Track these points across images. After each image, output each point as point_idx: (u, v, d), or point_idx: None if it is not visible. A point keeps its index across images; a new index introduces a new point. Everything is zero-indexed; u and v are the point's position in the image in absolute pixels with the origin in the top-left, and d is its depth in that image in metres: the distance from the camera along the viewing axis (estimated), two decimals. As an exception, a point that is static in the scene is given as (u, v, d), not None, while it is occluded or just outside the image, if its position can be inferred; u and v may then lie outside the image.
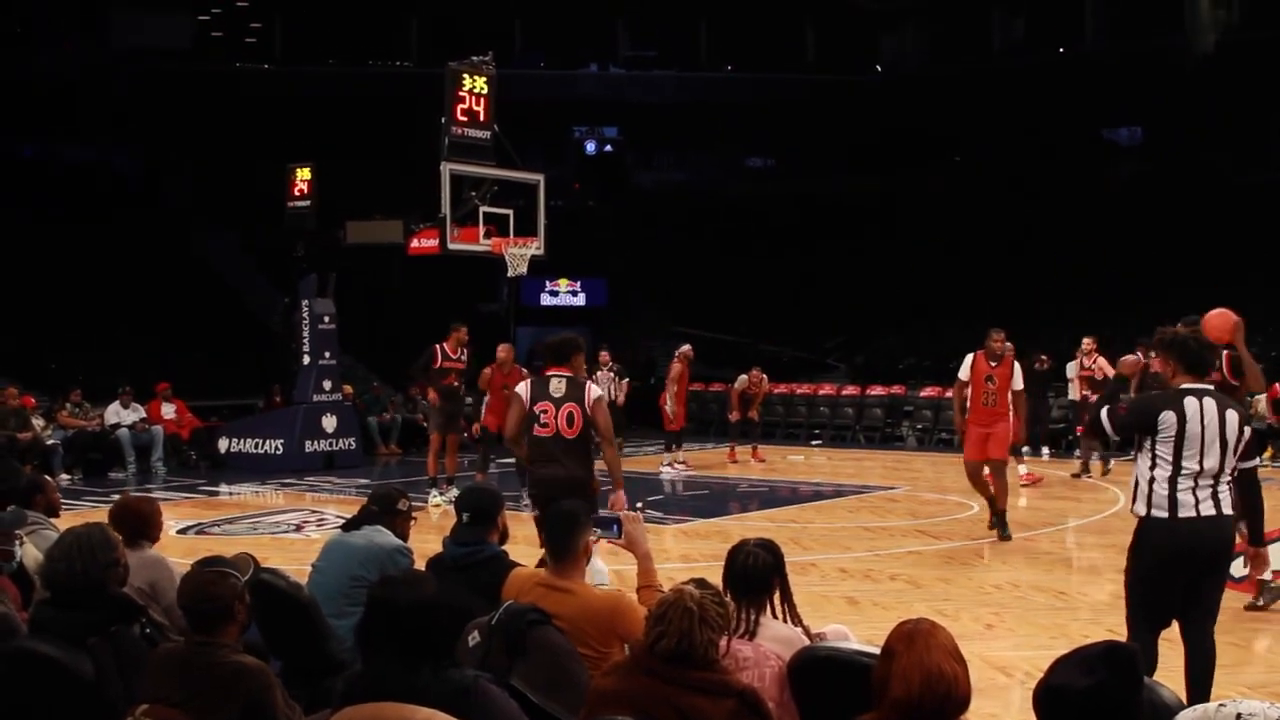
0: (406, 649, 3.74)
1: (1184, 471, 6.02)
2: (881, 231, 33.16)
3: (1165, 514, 6.04)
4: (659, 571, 5.55)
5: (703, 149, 38.16)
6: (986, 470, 12.58)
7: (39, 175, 30.31)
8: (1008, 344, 13.06)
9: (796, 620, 4.86)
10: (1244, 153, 31.04)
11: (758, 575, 4.74)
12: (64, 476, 17.75)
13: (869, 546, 12.44)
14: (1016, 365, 13.08)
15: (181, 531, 13.39)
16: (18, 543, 5.92)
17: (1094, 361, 18.20)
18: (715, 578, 4.34)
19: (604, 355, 22.06)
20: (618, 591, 5.34)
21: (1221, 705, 2.99)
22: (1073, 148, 34.05)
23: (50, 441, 18.60)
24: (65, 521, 6.19)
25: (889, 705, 3.40)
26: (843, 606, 9.38)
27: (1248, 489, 6.17)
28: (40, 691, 4.49)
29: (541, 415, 8.28)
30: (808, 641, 4.75)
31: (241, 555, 4.74)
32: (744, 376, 21.40)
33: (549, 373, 8.51)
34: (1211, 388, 6.26)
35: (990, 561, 11.48)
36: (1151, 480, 6.10)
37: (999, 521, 12.59)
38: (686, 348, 20.25)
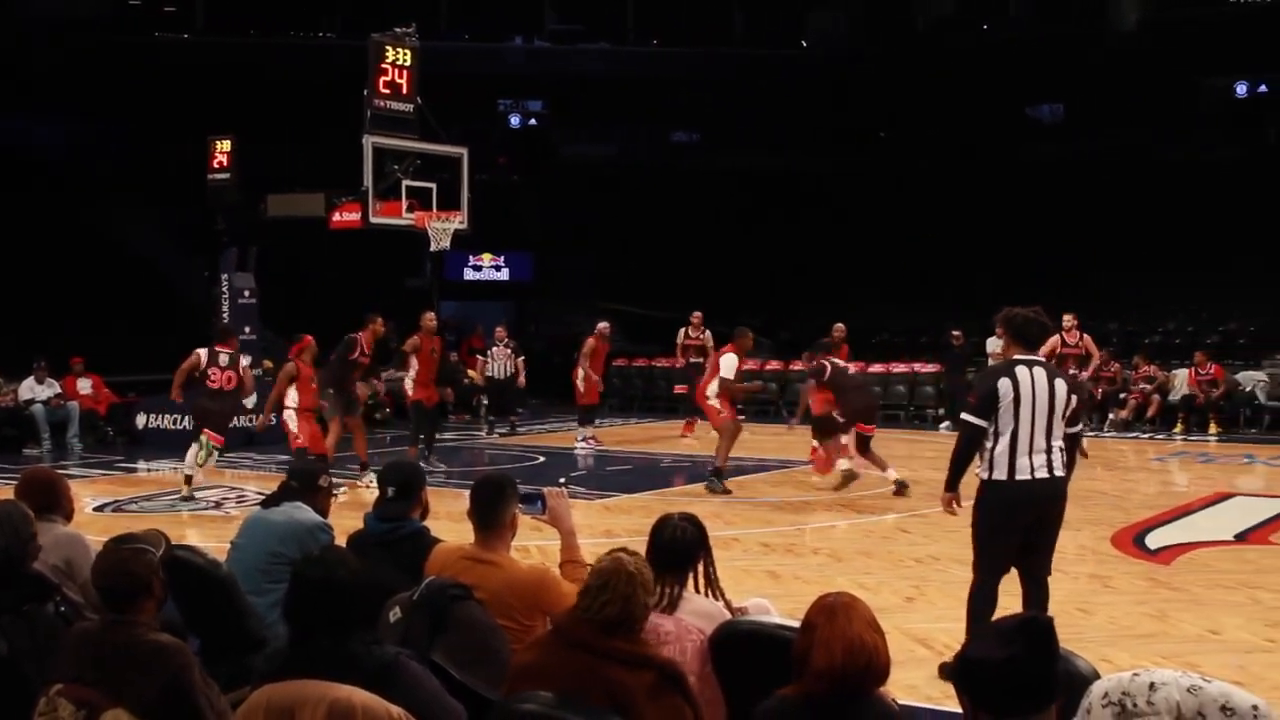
0: (329, 626, 3.72)
1: (1019, 437, 6.58)
2: (808, 207, 33.27)
3: (1004, 477, 6.63)
4: (582, 547, 5.54)
5: (629, 123, 38.00)
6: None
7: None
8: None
9: (718, 594, 4.88)
10: (1163, 129, 31.48)
11: (682, 549, 4.75)
12: (-23, 453, 17.43)
13: (791, 521, 12.54)
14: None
15: (98, 509, 13.21)
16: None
17: (1077, 339, 17.07)
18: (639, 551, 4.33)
19: (500, 331, 21.80)
20: (543, 566, 5.33)
21: (1135, 674, 3.04)
22: (996, 125, 34.31)
23: (-38, 417, 18.26)
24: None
25: (811, 676, 3.42)
26: (765, 580, 9.44)
27: (1068, 450, 6.90)
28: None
29: (212, 374, 13.96)
30: (729, 616, 4.77)
31: (152, 531, 4.65)
32: (683, 330, 21.18)
33: (218, 348, 14.17)
34: (1041, 359, 6.90)
35: (912, 535, 11.60)
36: (993, 448, 6.65)
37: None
38: (603, 324, 20.11)
